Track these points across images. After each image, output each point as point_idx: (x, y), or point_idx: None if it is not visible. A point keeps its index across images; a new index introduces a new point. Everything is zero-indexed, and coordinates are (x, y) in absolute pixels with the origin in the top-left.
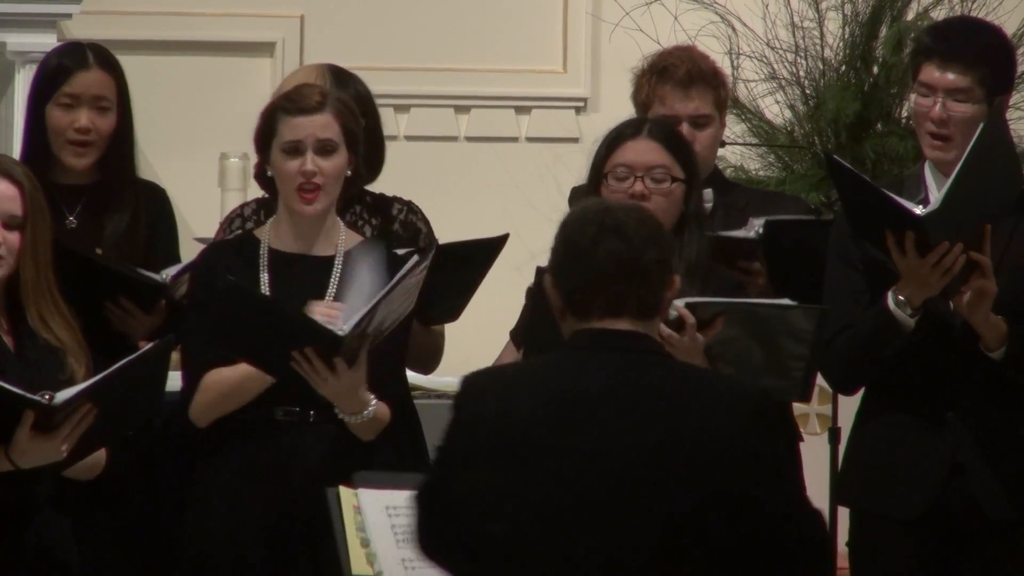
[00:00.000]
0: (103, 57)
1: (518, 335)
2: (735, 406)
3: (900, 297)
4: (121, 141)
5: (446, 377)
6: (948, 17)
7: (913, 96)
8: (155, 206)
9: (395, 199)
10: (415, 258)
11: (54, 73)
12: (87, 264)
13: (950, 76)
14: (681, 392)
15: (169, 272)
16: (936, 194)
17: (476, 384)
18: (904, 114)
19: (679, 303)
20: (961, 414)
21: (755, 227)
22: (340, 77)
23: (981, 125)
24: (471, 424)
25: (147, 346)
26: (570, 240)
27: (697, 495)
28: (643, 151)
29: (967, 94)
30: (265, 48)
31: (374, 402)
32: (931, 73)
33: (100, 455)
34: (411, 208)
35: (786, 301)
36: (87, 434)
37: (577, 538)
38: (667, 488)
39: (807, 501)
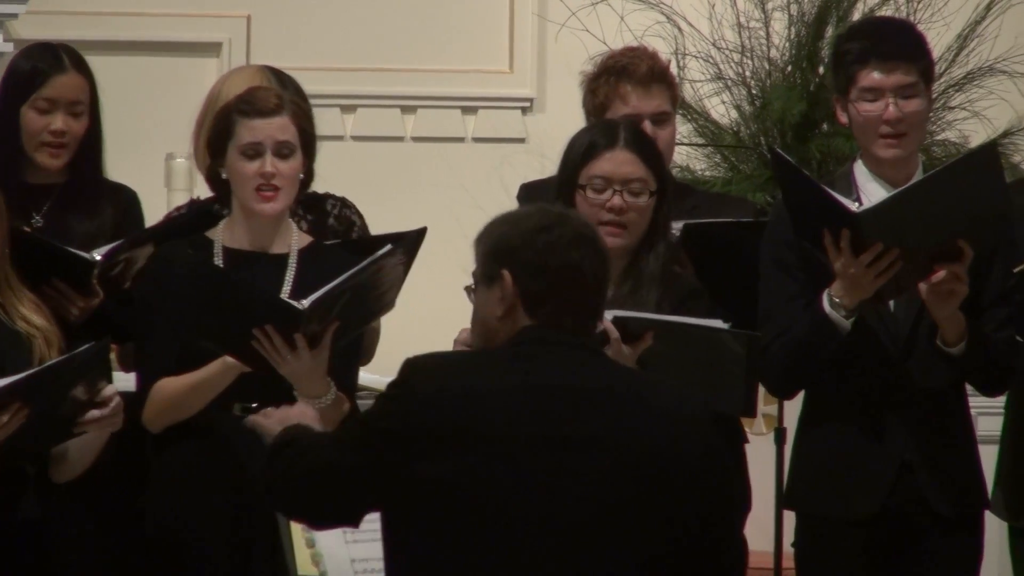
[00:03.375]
0: (77, 60)
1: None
2: (700, 421)
3: (835, 299)
4: (91, 142)
5: (391, 378)
6: (862, 20)
7: (853, 104)
8: (123, 207)
9: (327, 195)
10: (388, 246)
11: (29, 76)
12: (22, 240)
13: (897, 75)
14: (640, 395)
15: (100, 251)
16: (871, 194)
17: (424, 365)
18: (842, 120)
19: (606, 316)
20: (904, 414)
21: (674, 230)
22: (279, 78)
23: (962, 155)
24: (422, 404)
25: (81, 348)
26: (553, 248)
27: (653, 502)
28: (620, 163)
29: (914, 89)
30: (211, 48)
31: (335, 389)
32: (873, 76)
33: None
34: (344, 203)
35: (718, 323)
36: (18, 435)
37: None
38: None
39: (738, 530)
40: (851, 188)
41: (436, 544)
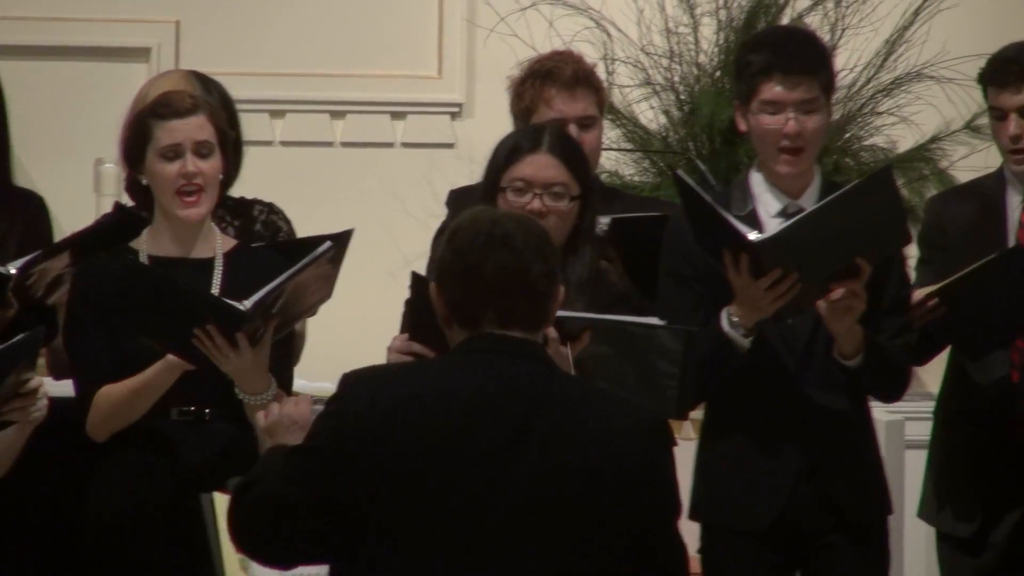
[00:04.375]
0: None
1: None
2: (638, 428)
3: (734, 318)
4: None
5: (322, 383)
6: (766, 30)
7: (753, 116)
8: (31, 214)
9: (255, 201)
10: (327, 243)
11: None
12: None
13: (799, 91)
14: (585, 403)
15: (15, 265)
16: (767, 205)
17: (360, 381)
18: (742, 128)
19: None
20: (806, 422)
21: (600, 225)
22: (204, 83)
23: (859, 180)
24: (357, 421)
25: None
26: (459, 250)
27: (595, 510)
28: (542, 166)
29: (815, 104)
30: (140, 53)
31: (275, 385)
32: (775, 90)
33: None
34: (272, 209)
35: (654, 321)
36: None
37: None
38: (570, 498)
39: (679, 536)
40: (747, 197)
41: (376, 554)
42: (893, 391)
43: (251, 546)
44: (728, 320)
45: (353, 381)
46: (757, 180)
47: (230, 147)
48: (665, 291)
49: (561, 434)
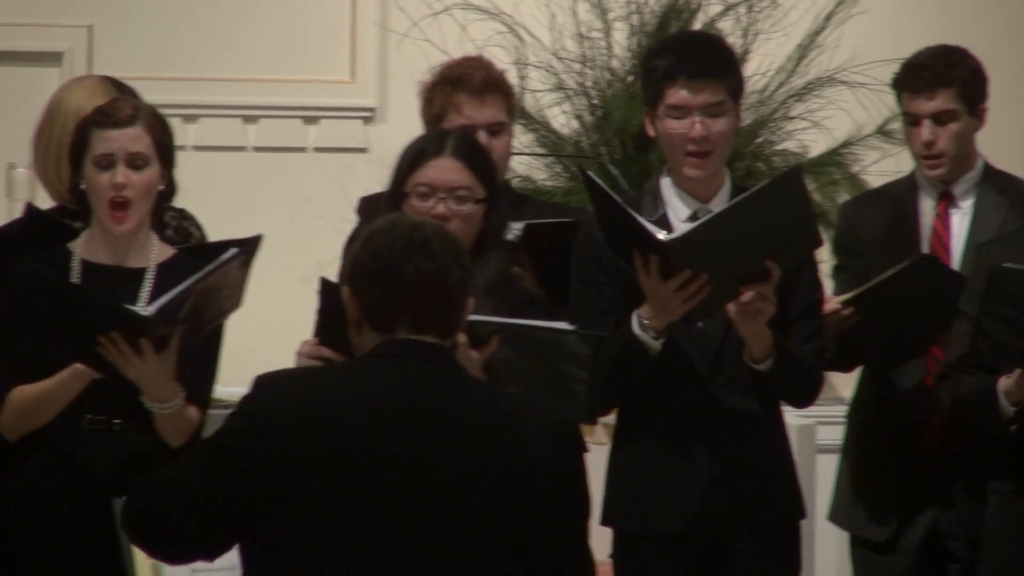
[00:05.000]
0: None
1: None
2: (550, 435)
3: (645, 321)
4: None
5: (235, 387)
6: (675, 35)
7: (661, 121)
8: None
9: (167, 207)
10: (233, 250)
11: None
12: None
13: (704, 94)
14: (503, 412)
15: None
16: (677, 210)
17: (273, 382)
18: (651, 133)
19: None
20: (715, 429)
21: (514, 230)
22: (120, 89)
23: (768, 181)
24: (268, 421)
25: None
26: (377, 254)
27: (505, 516)
28: (445, 170)
29: (721, 108)
30: (53, 58)
31: (182, 396)
32: (681, 95)
33: None
34: (183, 215)
35: (563, 325)
36: None
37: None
38: (481, 504)
39: (589, 548)
40: (658, 202)
41: (284, 560)
42: (804, 396)
43: (143, 534)
44: (639, 323)
45: (266, 382)
46: (667, 185)
47: (171, 158)
48: (577, 295)
49: (473, 440)
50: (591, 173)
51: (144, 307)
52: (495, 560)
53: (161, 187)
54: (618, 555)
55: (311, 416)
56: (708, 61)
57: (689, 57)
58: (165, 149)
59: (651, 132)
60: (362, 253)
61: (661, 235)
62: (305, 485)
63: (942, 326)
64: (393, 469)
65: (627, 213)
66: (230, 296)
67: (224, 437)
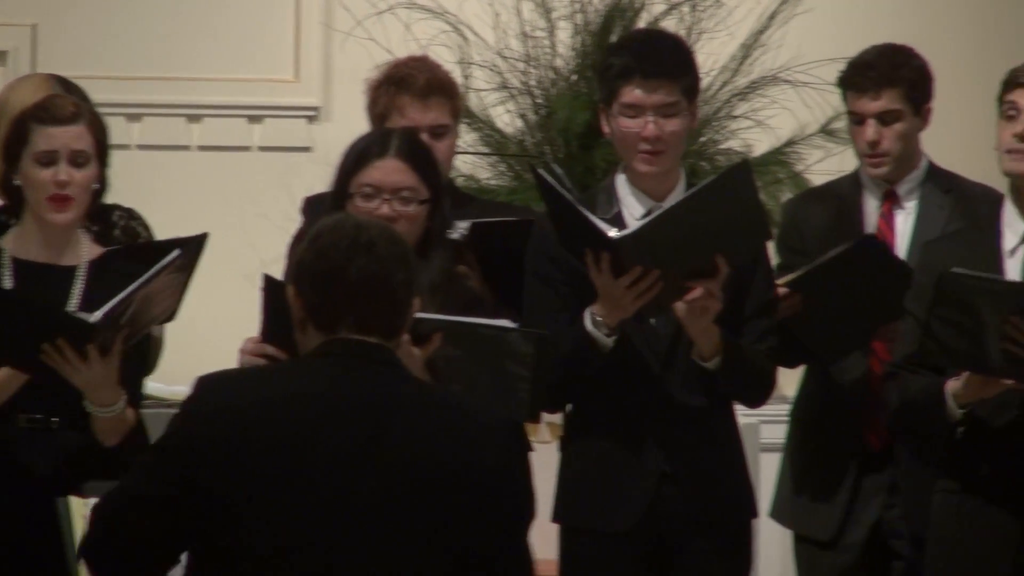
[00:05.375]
0: None
1: None
2: (491, 433)
3: (597, 317)
4: None
5: (179, 387)
6: (632, 33)
7: (615, 119)
8: None
9: (115, 206)
10: (176, 251)
11: None
12: None
13: (659, 94)
14: (439, 409)
15: None
16: (632, 208)
17: (215, 382)
18: (607, 131)
19: None
20: (666, 426)
21: (460, 229)
22: (66, 87)
23: (716, 175)
24: (210, 422)
25: None
26: (322, 253)
27: (450, 517)
28: (390, 171)
29: (675, 108)
30: None
31: (125, 398)
32: (635, 94)
33: None
34: (131, 215)
35: (506, 323)
36: None
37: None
38: (423, 502)
39: (527, 547)
40: (612, 201)
41: (231, 555)
42: (756, 395)
43: (106, 557)
44: (591, 319)
45: (207, 383)
46: (622, 183)
47: (107, 157)
48: (531, 293)
49: (414, 439)
50: (542, 171)
51: (90, 314)
52: (433, 557)
53: (96, 186)
54: (567, 551)
55: (253, 415)
56: (664, 61)
57: (645, 56)
58: (103, 148)
59: (606, 129)
60: (307, 253)
61: (611, 232)
62: (247, 484)
63: (886, 316)
64: (334, 467)
65: (577, 211)
66: (167, 298)
67: (168, 440)
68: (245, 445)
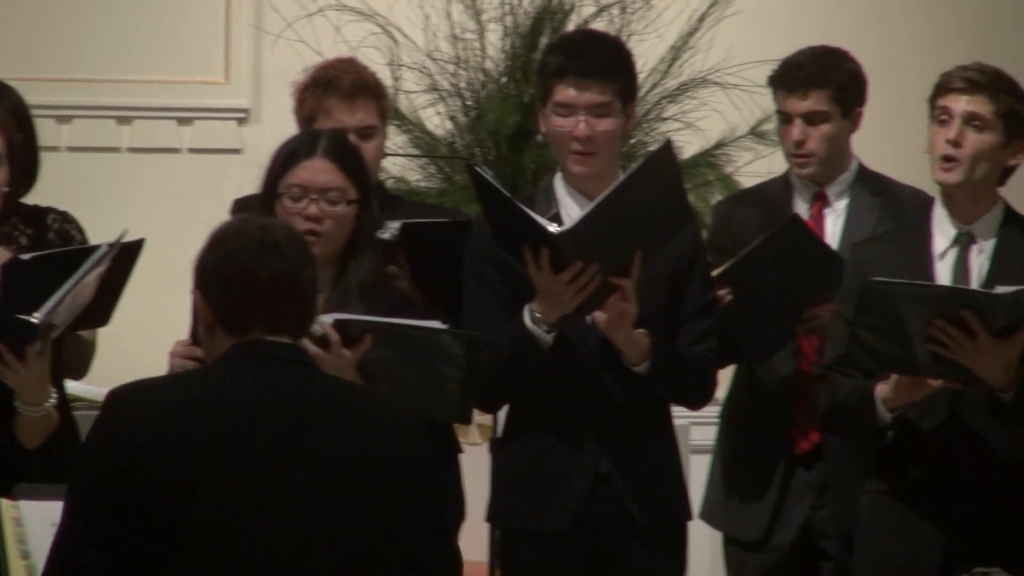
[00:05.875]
0: None
1: None
2: (404, 426)
3: (536, 314)
4: None
5: (107, 388)
6: (570, 33)
7: (549, 117)
8: None
9: (50, 209)
10: (105, 246)
11: None
12: None
13: (589, 94)
14: (360, 408)
15: None
16: (569, 208)
17: (126, 392)
18: (542, 130)
19: (326, 319)
20: (602, 426)
21: (391, 229)
22: (2, 89)
23: (642, 159)
24: (127, 436)
25: None
26: (230, 257)
27: (369, 513)
28: (318, 171)
29: (607, 108)
30: None
31: (55, 396)
32: (568, 93)
33: None
34: (66, 218)
35: (436, 324)
36: None
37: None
38: (344, 500)
39: (448, 542)
40: (551, 201)
41: (156, 563)
42: (694, 398)
43: None
44: (530, 317)
45: (119, 398)
46: (560, 184)
47: (18, 158)
48: (469, 294)
49: (333, 437)
50: (479, 168)
51: (32, 315)
52: (357, 555)
53: (6, 188)
54: (503, 552)
55: (169, 425)
56: (597, 61)
57: (578, 56)
58: (12, 149)
59: (542, 129)
60: (212, 257)
61: (552, 228)
62: (169, 493)
63: (812, 302)
64: (255, 471)
65: (517, 207)
66: (86, 298)
67: (90, 461)
68: (164, 456)
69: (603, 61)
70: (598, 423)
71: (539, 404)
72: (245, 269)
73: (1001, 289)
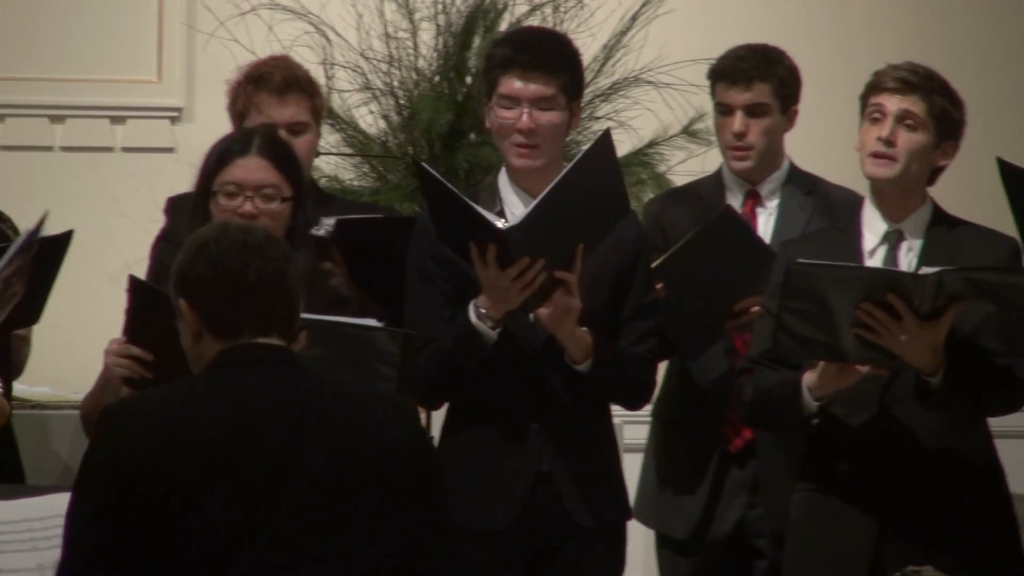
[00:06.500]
0: None
1: None
2: (402, 420)
3: (481, 310)
4: None
5: (43, 388)
6: (518, 28)
7: (493, 110)
8: None
9: None
10: (29, 231)
11: None
12: None
13: (534, 86)
14: (357, 403)
15: None
16: (513, 206)
17: (121, 408)
18: (487, 125)
19: None
20: (545, 424)
21: (325, 226)
22: None
23: (583, 150)
24: (129, 445)
25: None
26: (215, 262)
27: (374, 507)
28: (252, 169)
29: (551, 102)
30: None
31: (2, 386)
32: (513, 84)
33: None
34: (0, 217)
35: (372, 322)
36: None
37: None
38: (359, 498)
39: (451, 531)
40: (495, 198)
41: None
42: (634, 397)
43: None
44: (475, 312)
45: (113, 414)
46: (504, 181)
47: None
48: (412, 288)
49: (333, 436)
50: (426, 165)
51: None
52: (360, 544)
53: None
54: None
55: (172, 438)
56: (543, 54)
57: (525, 49)
58: None
59: (487, 123)
60: (196, 263)
61: (500, 224)
62: (177, 505)
63: (744, 295)
64: (261, 475)
65: (464, 203)
66: (16, 290)
67: (90, 481)
68: (168, 470)
69: (549, 55)
70: (540, 421)
71: (481, 401)
72: (231, 271)
73: (926, 270)
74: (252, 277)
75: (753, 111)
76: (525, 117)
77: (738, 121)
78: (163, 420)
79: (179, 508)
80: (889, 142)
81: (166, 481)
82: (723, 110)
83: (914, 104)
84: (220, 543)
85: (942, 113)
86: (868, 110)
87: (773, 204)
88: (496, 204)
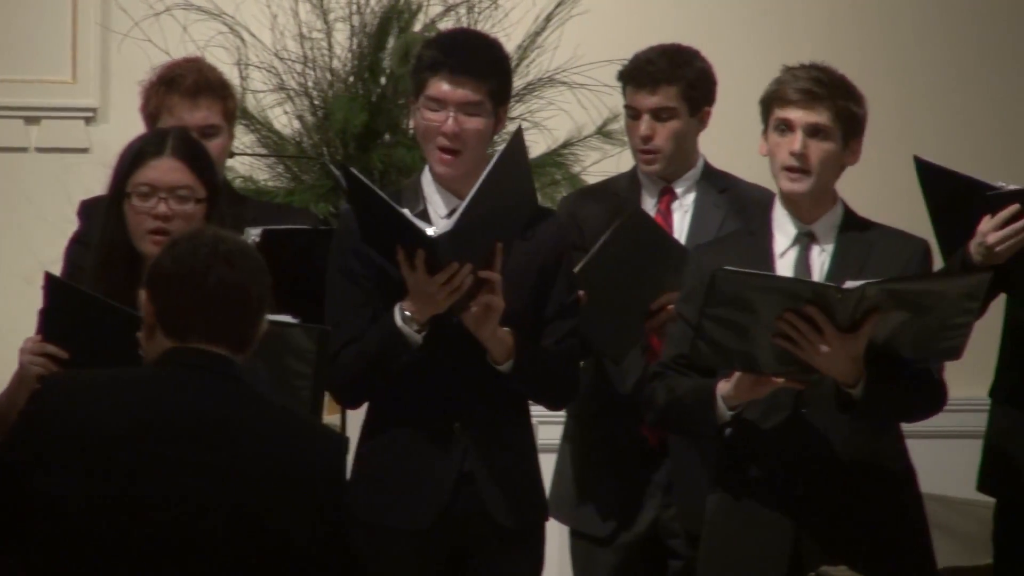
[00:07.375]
0: None
1: None
2: (320, 446)
3: (407, 313)
4: None
5: None
6: (449, 30)
7: (419, 111)
8: None
9: None
10: None
11: None
12: None
13: (462, 91)
14: (280, 427)
15: None
16: (437, 206)
17: (57, 383)
18: (412, 125)
19: None
20: (467, 424)
21: (252, 236)
22: None
23: (501, 149)
24: (50, 424)
25: None
26: (180, 259)
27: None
28: (166, 170)
29: (478, 107)
30: None
31: None
32: (441, 87)
33: None
34: None
35: (287, 318)
36: None
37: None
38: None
39: (351, 547)
40: (419, 197)
41: (51, 565)
42: (556, 398)
43: None
44: (401, 315)
45: (51, 385)
46: (428, 181)
47: None
48: (333, 286)
49: (239, 454)
50: (354, 169)
51: None
52: (268, 563)
53: None
54: (363, 548)
55: (84, 418)
56: (473, 59)
57: (456, 52)
58: None
59: (412, 125)
60: (164, 258)
61: (430, 231)
62: (69, 484)
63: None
64: (156, 476)
65: (393, 209)
66: None
67: (9, 434)
68: (71, 448)
69: (479, 60)
70: (462, 422)
71: (403, 401)
72: (192, 272)
73: (850, 284)
74: (211, 282)
75: (659, 115)
76: (451, 121)
77: (644, 125)
78: (82, 402)
79: (64, 489)
80: (802, 156)
81: (60, 457)
82: (631, 113)
83: (821, 115)
84: (93, 537)
85: (846, 114)
86: (774, 123)
87: (688, 201)
88: (419, 204)
